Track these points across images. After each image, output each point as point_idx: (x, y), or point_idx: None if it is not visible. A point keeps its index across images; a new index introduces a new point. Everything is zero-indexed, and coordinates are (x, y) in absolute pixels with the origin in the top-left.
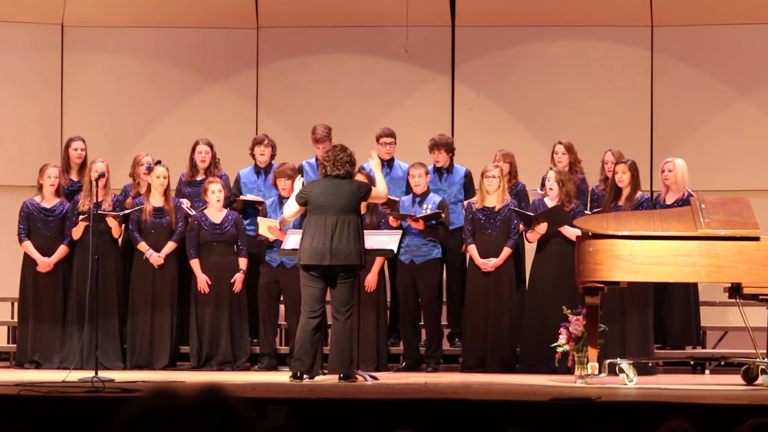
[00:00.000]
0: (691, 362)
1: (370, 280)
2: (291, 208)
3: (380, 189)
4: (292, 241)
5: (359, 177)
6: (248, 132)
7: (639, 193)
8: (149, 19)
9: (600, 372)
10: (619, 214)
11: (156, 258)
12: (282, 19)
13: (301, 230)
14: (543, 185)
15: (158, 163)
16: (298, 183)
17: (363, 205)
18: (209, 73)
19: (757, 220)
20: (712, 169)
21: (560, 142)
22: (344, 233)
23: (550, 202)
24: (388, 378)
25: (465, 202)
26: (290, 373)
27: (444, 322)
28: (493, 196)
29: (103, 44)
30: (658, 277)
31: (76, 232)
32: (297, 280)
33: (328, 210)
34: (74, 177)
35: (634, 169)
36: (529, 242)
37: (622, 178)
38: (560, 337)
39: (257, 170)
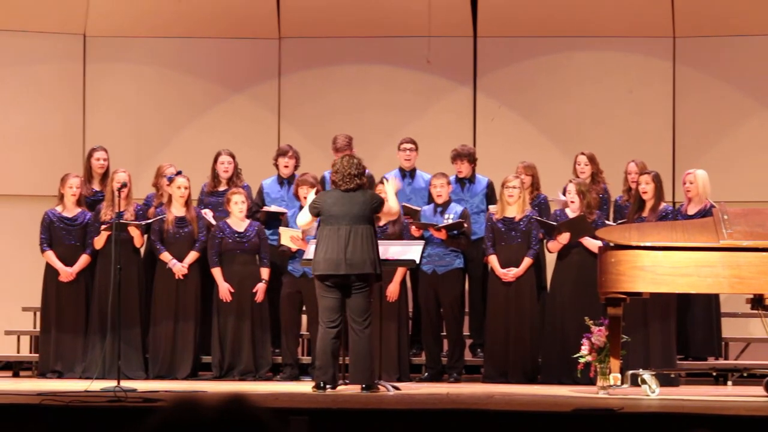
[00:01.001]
0: (714, 373)
1: (392, 290)
2: (304, 218)
3: (392, 205)
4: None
5: (381, 187)
6: (270, 142)
7: (663, 205)
8: (171, 30)
9: (622, 383)
10: (641, 225)
11: (179, 268)
12: (304, 29)
13: None
14: (565, 191)
15: (179, 173)
16: (311, 194)
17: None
18: (231, 83)
19: None
20: (735, 180)
21: (582, 153)
22: (358, 243)
23: (571, 214)
24: (410, 388)
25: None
26: (312, 383)
27: (466, 332)
28: (514, 207)
29: (125, 54)
30: (681, 288)
31: (98, 242)
32: None
33: (341, 220)
34: (96, 187)
35: (657, 181)
36: (550, 252)
37: (646, 189)
38: (582, 347)
39: (280, 181)
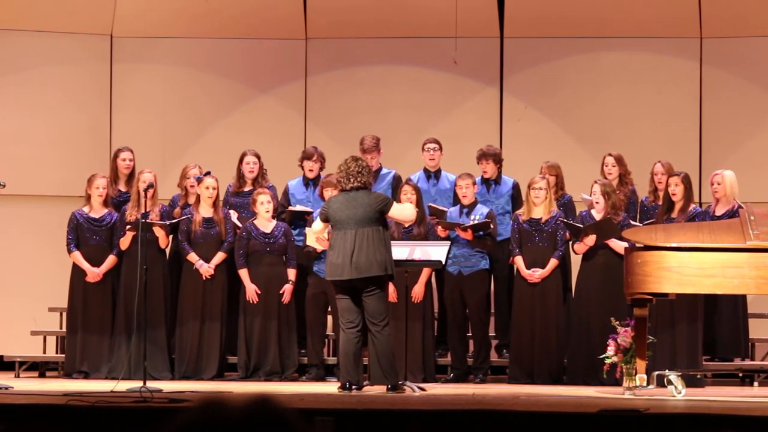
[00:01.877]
0: (740, 374)
1: (417, 291)
2: (315, 226)
3: (406, 212)
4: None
5: (407, 188)
6: (296, 142)
7: (692, 206)
8: (198, 30)
9: (648, 384)
10: (667, 225)
11: (206, 269)
12: (330, 29)
13: None
14: (591, 192)
15: (208, 174)
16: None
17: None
18: (258, 84)
19: None
20: (762, 181)
21: (610, 154)
22: (364, 246)
23: (596, 215)
24: (435, 389)
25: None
26: (338, 384)
27: (492, 333)
28: (540, 208)
29: (151, 54)
30: (707, 289)
31: (124, 242)
32: None
33: (347, 224)
34: (122, 187)
35: (687, 182)
36: (576, 254)
37: (676, 191)
38: (608, 348)
39: (306, 182)
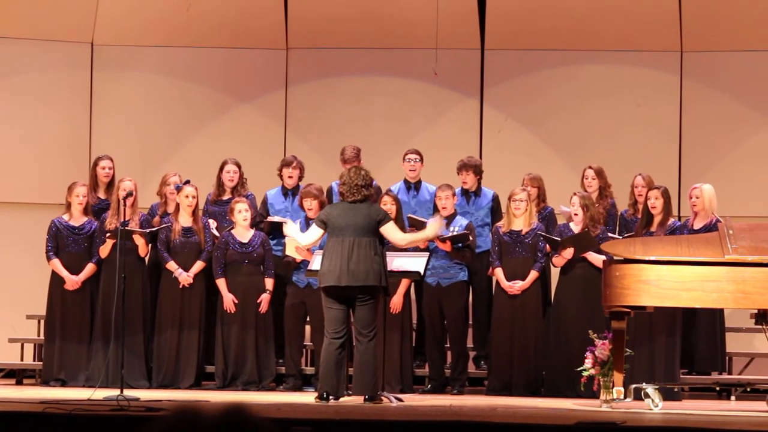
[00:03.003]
0: (717, 388)
1: (396, 302)
2: (309, 237)
3: (398, 235)
4: (319, 262)
5: (386, 199)
6: (276, 152)
7: (671, 220)
8: (179, 39)
9: (625, 396)
10: (646, 239)
11: (185, 277)
12: (311, 40)
13: None
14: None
15: (187, 182)
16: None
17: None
18: (238, 93)
19: None
20: (741, 195)
21: (590, 167)
22: (361, 254)
23: (575, 227)
24: (413, 400)
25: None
26: (315, 394)
27: (469, 344)
28: (520, 220)
29: (132, 63)
30: (685, 303)
31: (104, 250)
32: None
33: (346, 231)
34: (102, 195)
35: (666, 196)
36: (555, 267)
37: (656, 204)
38: (586, 361)
39: (285, 192)
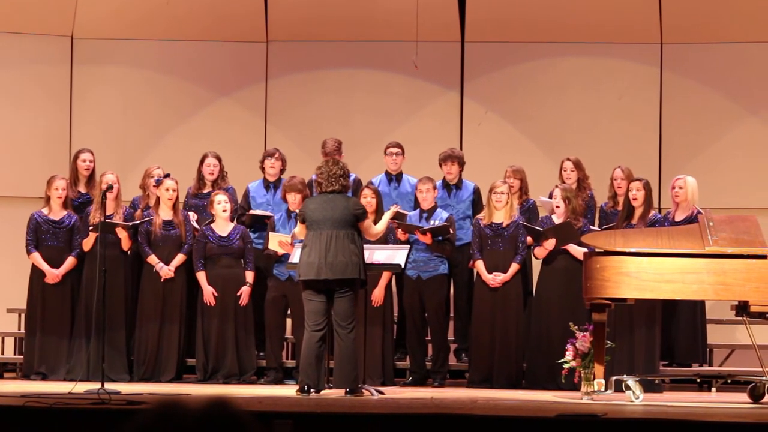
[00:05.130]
0: (698, 380)
1: (377, 295)
2: (298, 229)
3: (376, 229)
4: (299, 255)
5: (367, 191)
6: (257, 146)
7: (652, 212)
8: (159, 32)
9: (606, 389)
10: (627, 231)
11: (166, 271)
12: (291, 32)
13: None
14: (551, 195)
15: (167, 176)
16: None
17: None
18: (218, 87)
19: (765, 239)
20: (721, 187)
21: (568, 159)
22: (339, 247)
23: (557, 219)
24: (394, 393)
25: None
26: (297, 387)
27: (450, 337)
28: (501, 212)
29: (112, 56)
30: (666, 295)
31: (87, 244)
32: None
33: (323, 225)
34: (82, 189)
35: (648, 188)
36: (537, 258)
37: (637, 197)
38: (567, 353)
39: (266, 184)
